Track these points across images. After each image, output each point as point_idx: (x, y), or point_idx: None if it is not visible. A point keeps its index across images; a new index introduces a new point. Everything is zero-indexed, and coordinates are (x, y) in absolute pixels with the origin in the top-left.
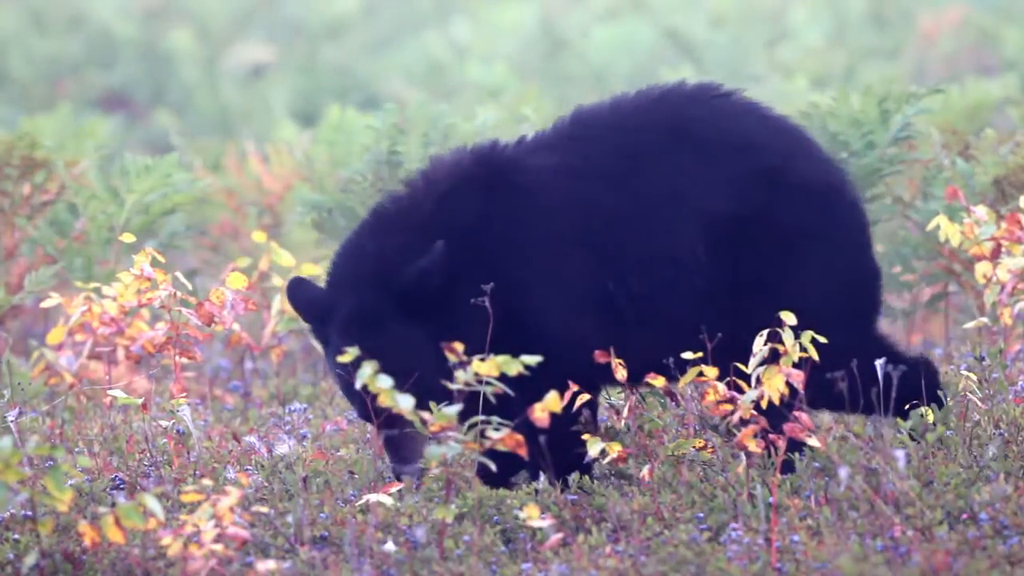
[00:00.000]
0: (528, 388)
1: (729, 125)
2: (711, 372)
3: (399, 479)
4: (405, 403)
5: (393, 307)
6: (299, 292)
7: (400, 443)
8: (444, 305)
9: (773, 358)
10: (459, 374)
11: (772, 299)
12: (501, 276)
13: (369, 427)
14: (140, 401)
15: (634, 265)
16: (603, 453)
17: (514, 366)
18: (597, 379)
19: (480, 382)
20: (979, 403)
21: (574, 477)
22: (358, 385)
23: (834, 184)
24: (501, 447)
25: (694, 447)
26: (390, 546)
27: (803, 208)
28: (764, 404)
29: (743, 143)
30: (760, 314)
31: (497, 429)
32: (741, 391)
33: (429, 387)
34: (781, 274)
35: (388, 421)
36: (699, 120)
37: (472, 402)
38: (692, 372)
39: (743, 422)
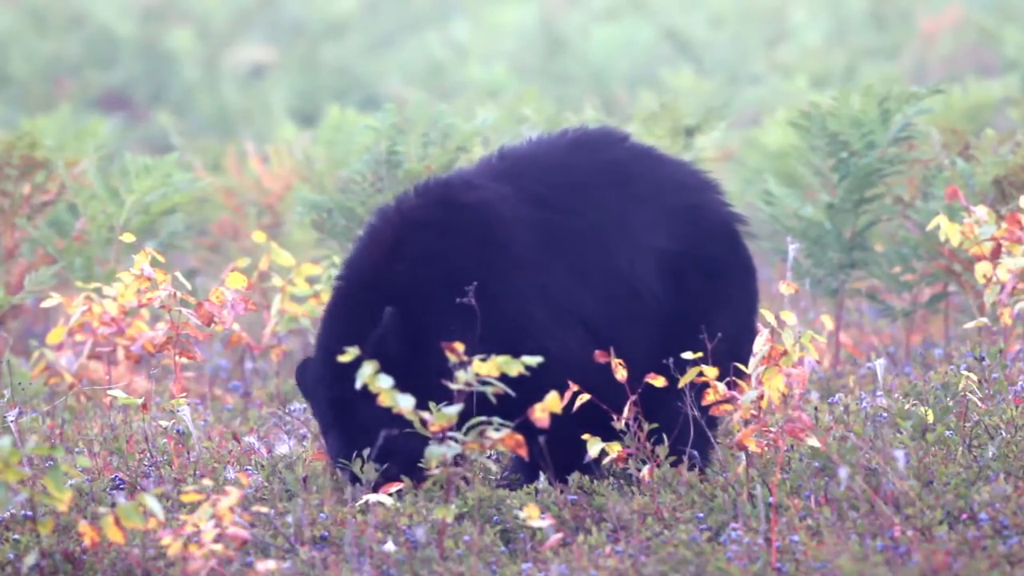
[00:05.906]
0: (520, 407)
1: (648, 165)
2: (711, 372)
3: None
4: (405, 403)
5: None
6: (306, 375)
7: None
8: (414, 361)
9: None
10: (460, 374)
11: (701, 327)
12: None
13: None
14: (140, 401)
15: (598, 291)
16: (603, 453)
17: (514, 366)
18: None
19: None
20: (979, 403)
21: (574, 477)
22: (358, 385)
23: (737, 217)
24: (501, 447)
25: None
26: (390, 546)
27: (720, 241)
28: (764, 404)
29: (664, 182)
30: (688, 341)
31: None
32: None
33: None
34: (710, 303)
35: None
36: (620, 162)
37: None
38: (692, 372)
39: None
